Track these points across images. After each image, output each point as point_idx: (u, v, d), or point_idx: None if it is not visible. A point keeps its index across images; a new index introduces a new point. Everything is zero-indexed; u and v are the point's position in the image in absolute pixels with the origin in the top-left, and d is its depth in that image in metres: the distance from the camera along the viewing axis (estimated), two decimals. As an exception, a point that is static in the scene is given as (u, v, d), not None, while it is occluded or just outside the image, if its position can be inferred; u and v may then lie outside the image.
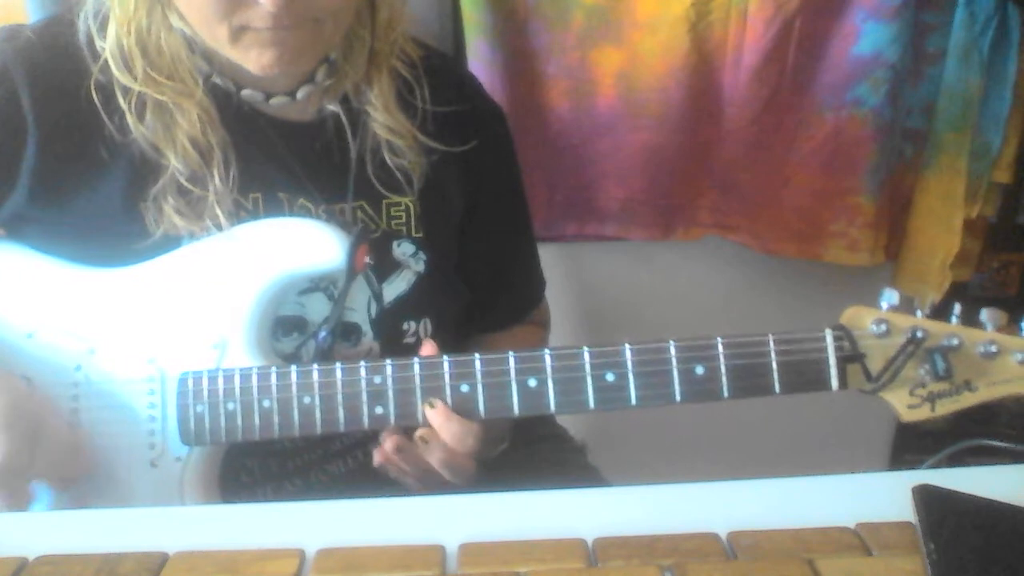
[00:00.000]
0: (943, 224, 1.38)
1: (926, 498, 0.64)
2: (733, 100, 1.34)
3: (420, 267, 0.93)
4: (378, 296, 0.90)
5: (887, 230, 1.42)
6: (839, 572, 0.60)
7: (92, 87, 0.82)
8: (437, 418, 0.78)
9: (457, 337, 0.99)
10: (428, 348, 0.81)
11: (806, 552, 0.61)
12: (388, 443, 0.81)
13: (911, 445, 1.56)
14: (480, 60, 1.32)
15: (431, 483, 0.82)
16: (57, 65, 0.83)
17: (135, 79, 0.81)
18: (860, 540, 0.63)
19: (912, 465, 0.75)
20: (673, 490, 0.70)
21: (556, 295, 1.11)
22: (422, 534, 0.63)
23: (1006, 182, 1.39)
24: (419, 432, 0.79)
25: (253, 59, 0.79)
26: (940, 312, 0.76)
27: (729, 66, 1.33)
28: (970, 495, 0.66)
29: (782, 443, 1.38)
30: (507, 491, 0.69)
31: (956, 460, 0.78)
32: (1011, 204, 1.47)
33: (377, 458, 0.82)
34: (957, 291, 1.42)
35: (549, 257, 1.10)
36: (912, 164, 1.41)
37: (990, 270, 1.53)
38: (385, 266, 0.91)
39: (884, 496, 0.67)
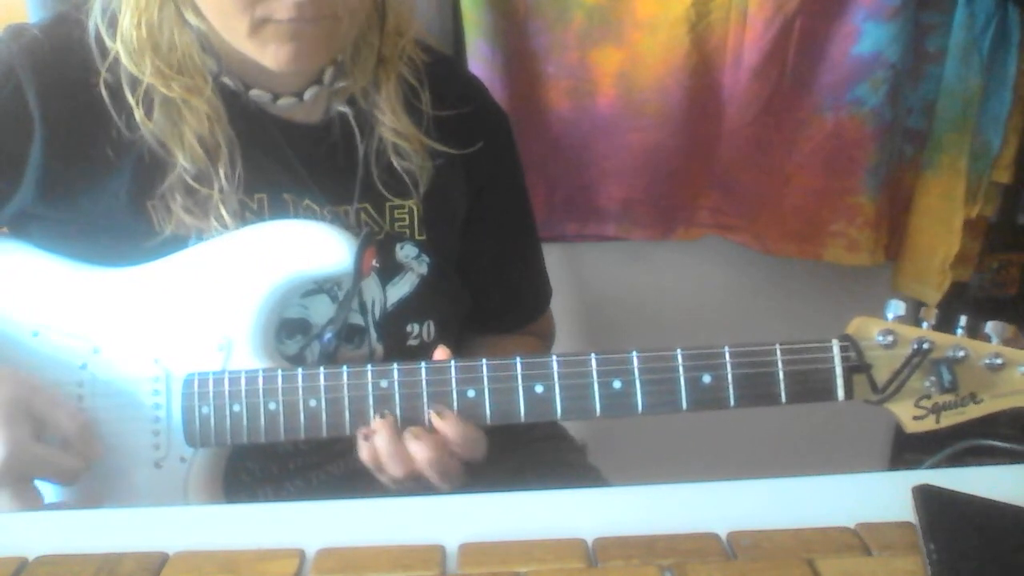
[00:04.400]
0: (943, 224, 1.38)
1: (926, 498, 0.64)
2: (733, 100, 1.34)
3: (423, 270, 0.93)
4: (382, 300, 0.91)
5: (887, 230, 1.42)
6: (839, 572, 0.60)
7: (101, 85, 0.82)
8: (449, 427, 0.76)
9: (460, 339, 0.99)
10: (441, 353, 0.80)
11: (806, 552, 0.61)
12: (380, 437, 0.77)
13: (911, 445, 1.56)
14: (480, 60, 1.32)
15: (414, 486, 0.80)
16: (64, 63, 0.83)
17: (144, 73, 0.81)
18: (860, 540, 0.62)
19: (912, 465, 0.76)
20: (673, 490, 0.70)
21: (556, 295, 1.11)
22: (422, 534, 0.63)
23: (1006, 182, 1.39)
24: (410, 429, 0.77)
25: (271, 54, 0.79)
26: (945, 323, 0.76)
27: (729, 66, 1.33)
28: (970, 495, 0.66)
29: (782, 443, 1.39)
30: (507, 491, 0.69)
31: (956, 460, 0.78)
32: (1011, 204, 1.47)
33: (364, 453, 0.79)
34: (957, 291, 1.42)
35: (549, 257, 1.10)
36: (912, 164, 1.41)
37: (990, 270, 1.53)
38: (389, 268, 0.91)
39: (884, 496, 0.67)
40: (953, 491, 0.66)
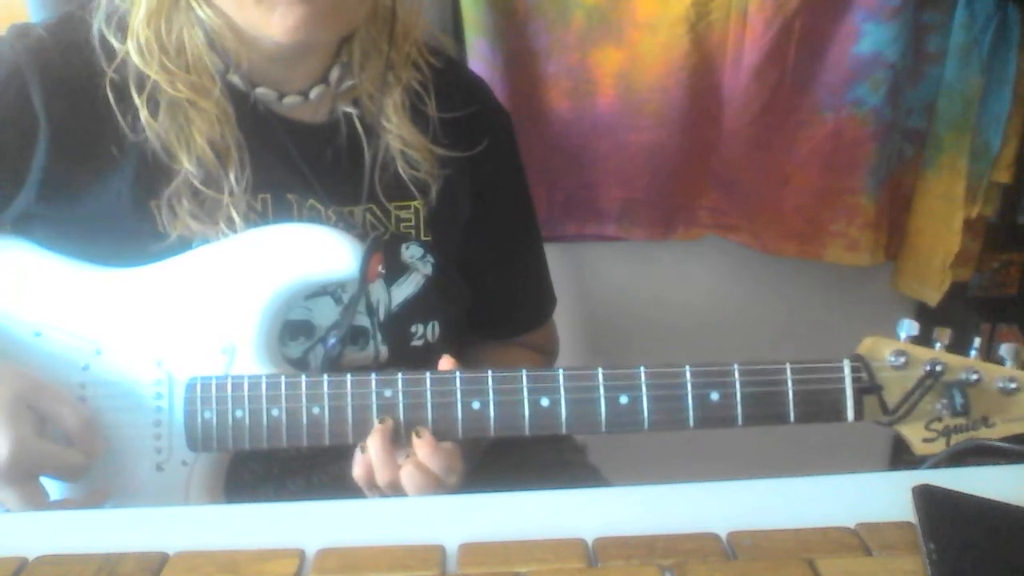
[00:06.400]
0: (943, 224, 1.38)
1: (926, 498, 0.64)
2: (733, 100, 1.34)
3: (428, 270, 0.93)
4: (386, 302, 0.91)
5: (887, 230, 1.42)
6: (839, 572, 0.59)
7: (106, 85, 0.82)
8: (423, 449, 0.77)
9: (462, 342, 0.99)
10: (446, 363, 0.80)
11: (806, 552, 0.61)
12: (374, 442, 0.78)
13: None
14: (480, 60, 1.32)
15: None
16: (69, 63, 0.83)
17: (151, 69, 0.81)
18: (860, 540, 0.62)
19: (912, 465, 0.75)
20: (673, 490, 0.69)
21: (556, 295, 1.11)
22: (422, 534, 0.63)
23: (1006, 182, 1.39)
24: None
25: (278, 20, 0.78)
26: (959, 343, 0.75)
27: (729, 66, 1.33)
28: (970, 495, 0.66)
29: (782, 443, 1.38)
30: (507, 491, 0.69)
31: (956, 460, 0.78)
32: (1011, 204, 1.47)
33: (358, 468, 0.79)
34: (957, 291, 1.42)
35: (549, 257, 1.10)
36: (912, 164, 1.42)
37: (990, 270, 1.53)
38: (394, 269, 0.91)
39: (884, 496, 0.66)
40: (953, 491, 0.66)
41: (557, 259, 1.12)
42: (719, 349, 0.78)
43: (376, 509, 0.71)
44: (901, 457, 1.60)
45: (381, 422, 0.77)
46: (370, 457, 0.78)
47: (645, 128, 1.35)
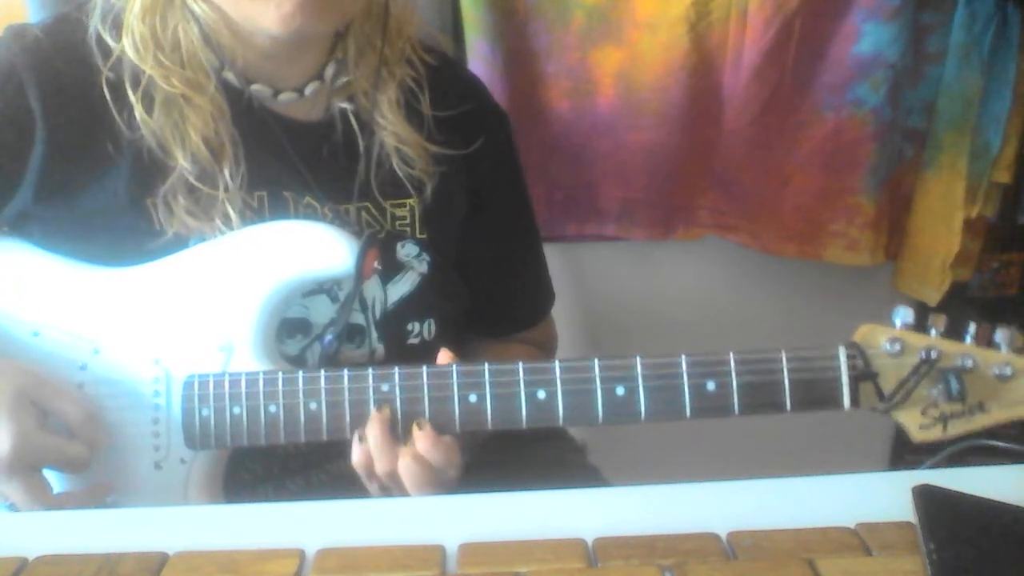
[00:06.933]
0: (943, 224, 1.39)
1: (926, 498, 0.64)
2: (733, 100, 1.34)
3: (424, 268, 0.93)
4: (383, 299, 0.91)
5: (887, 230, 1.43)
6: (839, 572, 0.60)
7: (102, 84, 0.82)
8: (423, 442, 0.77)
9: (459, 340, 0.99)
10: (444, 357, 0.80)
11: (806, 552, 0.61)
12: (372, 429, 0.77)
13: (911, 445, 1.56)
14: (480, 59, 1.32)
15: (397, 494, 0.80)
16: (65, 63, 0.83)
17: (146, 64, 0.81)
18: (860, 540, 0.63)
19: (912, 465, 0.75)
20: (673, 490, 0.69)
21: (556, 294, 1.11)
22: (422, 534, 0.63)
23: (1006, 182, 1.40)
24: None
25: (273, 11, 0.77)
26: (954, 330, 0.75)
27: (729, 66, 1.33)
28: (970, 495, 0.66)
29: (782, 443, 1.39)
30: (507, 491, 0.69)
31: (956, 460, 0.78)
32: (1011, 204, 1.47)
33: (357, 456, 0.79)
34: (957, 291, 1.42)
35: (549, 257, 1.10)
36: (912, 164, 1.42)
37: (990, 270, 1.53)
38: (389, 267, 0.91)
39: (884, 496, 0.67)
40: (953, 491, 0.66)
41: (557, 259, 1.12)
42: (719, 350, 0.78)
43: (376, 509, 0.71)
44: (901, 457, 1.60)
45: (379, 410, 0.77)
46: (368, 446, 0.78)
47: (645, 128, 1.35)
